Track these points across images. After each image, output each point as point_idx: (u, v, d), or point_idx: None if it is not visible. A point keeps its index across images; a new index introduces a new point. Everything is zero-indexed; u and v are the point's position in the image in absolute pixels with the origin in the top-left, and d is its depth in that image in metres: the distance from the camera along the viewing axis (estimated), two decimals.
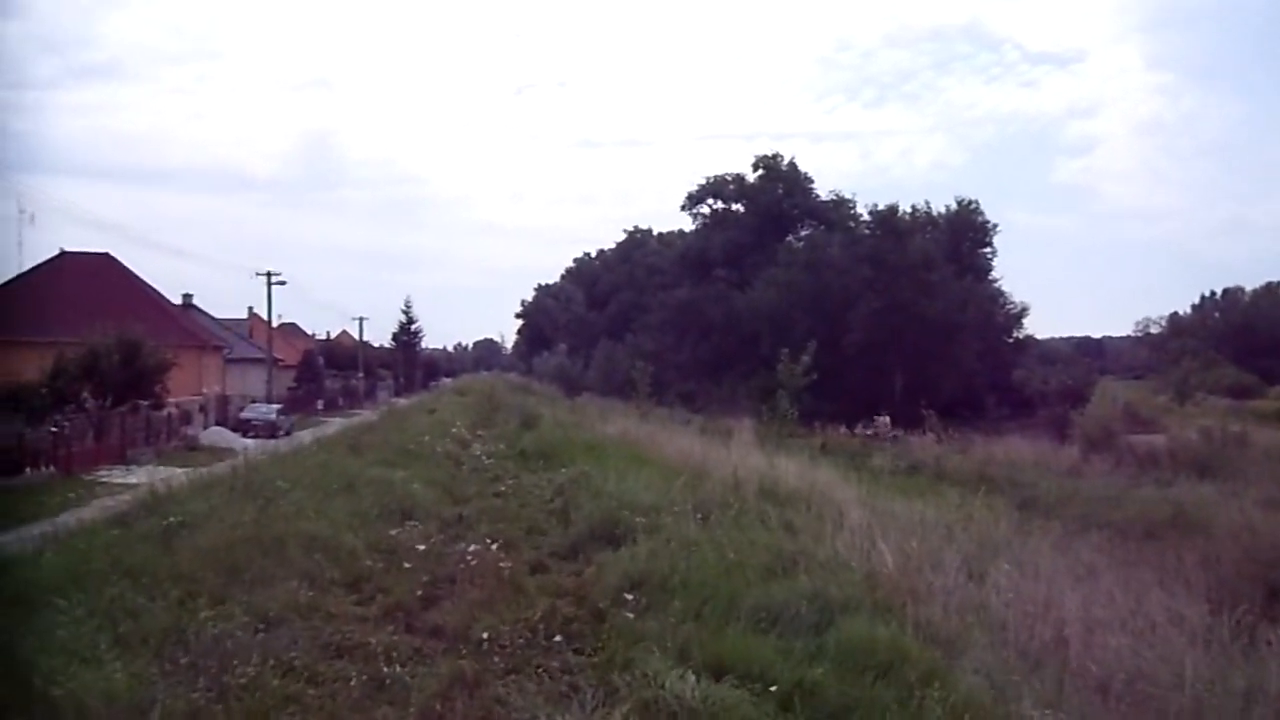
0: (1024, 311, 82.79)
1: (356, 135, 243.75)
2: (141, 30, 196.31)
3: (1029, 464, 43.98)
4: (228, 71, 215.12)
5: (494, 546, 11.86)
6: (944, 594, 11.27)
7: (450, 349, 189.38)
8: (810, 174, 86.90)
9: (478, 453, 24.79)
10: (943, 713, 6.81)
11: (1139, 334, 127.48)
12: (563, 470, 20.55)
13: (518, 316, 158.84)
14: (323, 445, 24.91)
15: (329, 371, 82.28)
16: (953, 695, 7.05)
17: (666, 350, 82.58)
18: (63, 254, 52.54)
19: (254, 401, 57.75)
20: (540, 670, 8.12)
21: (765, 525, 13.90)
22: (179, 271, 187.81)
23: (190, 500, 15.00)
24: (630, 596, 9.68)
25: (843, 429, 60.15)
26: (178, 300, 60.85)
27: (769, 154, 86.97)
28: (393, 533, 12.44)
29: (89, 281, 48.91)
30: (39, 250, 58.78)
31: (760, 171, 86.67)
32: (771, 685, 7.36)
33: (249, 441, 46.07)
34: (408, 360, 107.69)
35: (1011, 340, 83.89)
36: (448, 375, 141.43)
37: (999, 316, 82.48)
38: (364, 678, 7.73)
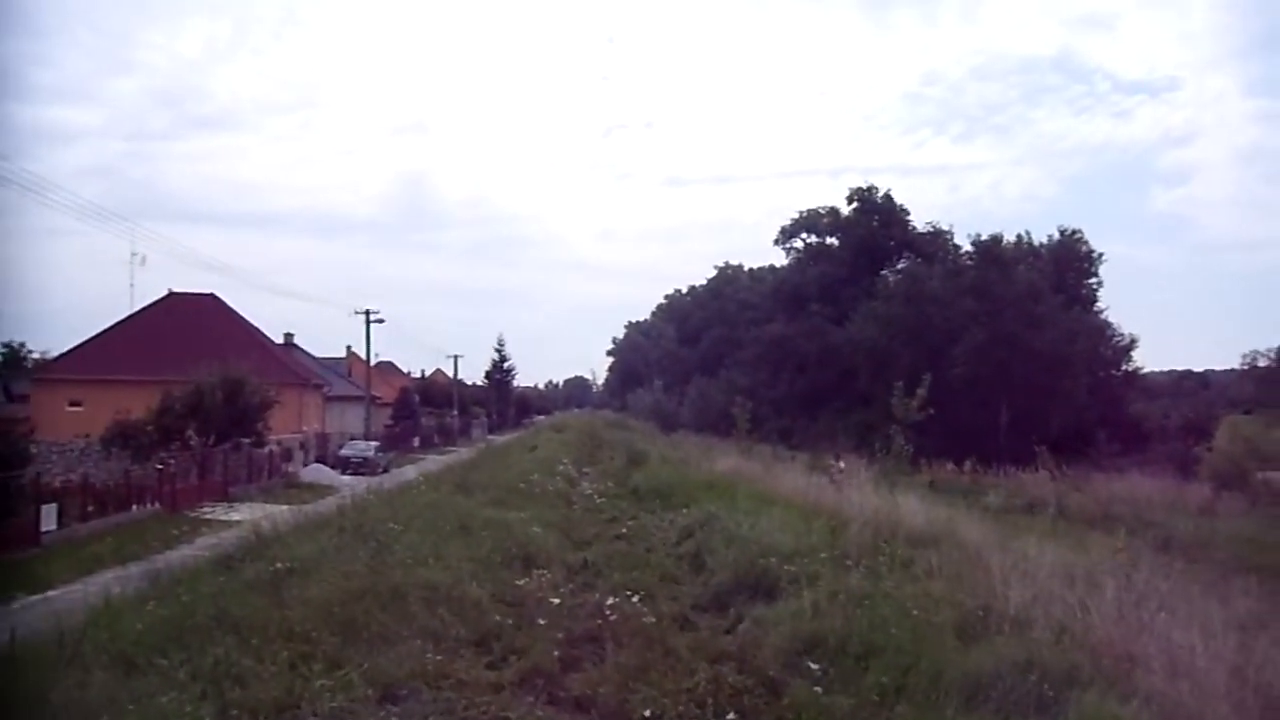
0: (1133, 344, 79.49)
1: (451, 176, 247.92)
2: (250, 82, 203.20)
3: (1155, 502, 41.54)
4: (329, 119, 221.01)
5: (634, 599, 10.54)
6: (1161, 657, 9.67)
7: (541, 386, 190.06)
8: (905, 206, 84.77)
9: (588, 491, 23.58)
10: None
11: (1245, 366, 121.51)
12: (684, 511, 19.23)
13: (609, 354, 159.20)
14: (429, 483, 23.92)
15: (424, 409, 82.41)
16: None
17: (760, 386, 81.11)
18: (170, 294, 53.36)
19: (352, 439, 57.73)
20: None
21: (927, 575, 12.31)
22: (281, 312, 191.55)
23: (297, 542, 14.02)
24: (813, 665, 8.24)
25: (949, 465, 57.80)
26: (280, 339, 61.42)
27: (864, 186, 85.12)
28: (520, 582, 11.19)
29: (195, 321, 49.53)
30: (149, 291, 60.37)
31: (855, 204, 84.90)
32: None
33: (348, 478, 45.82)
34: (501, 397, 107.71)
35: (1120, 374, 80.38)
36: (540, 413, 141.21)
37: (1106, 349, 79.24)
38: None
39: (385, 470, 49.66)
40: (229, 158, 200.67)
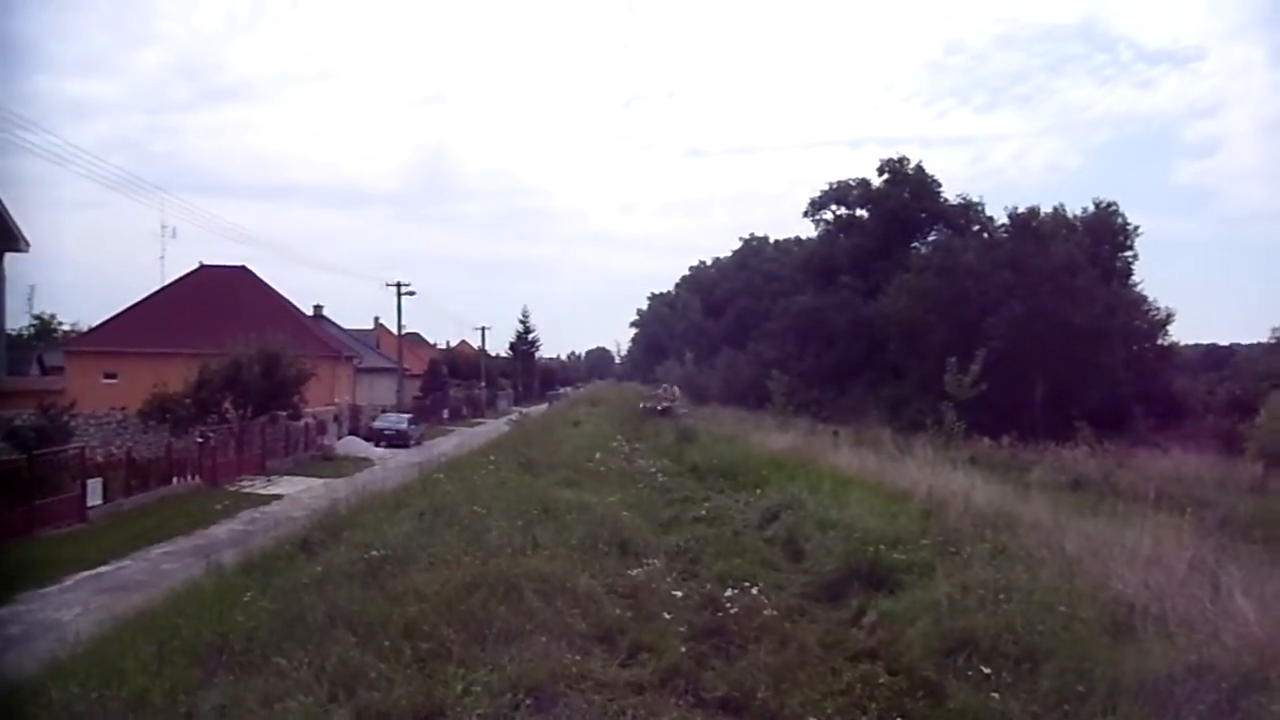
0: (1169, 318, 78.39)
1: (471, 148, 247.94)
2: (269, 54, 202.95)
3: (1204, 479, 40.80)
4: (349, 90, 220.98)
5: (754, 590, 10.07)
6: None
7: (564, 358, 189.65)
8: (936, 178, 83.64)
9: (650, 469, 23.03)
10: None
11: (1275, 340, 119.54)
12: (758, 491, 18.76)
13: (632, 325, 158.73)
14: (490, 459, 23.39)
15: (451, 380, 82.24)
16: None
17: (788, 358, 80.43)
18: (202, 267, 53.01)
19: (384, 411, 57.57)
20: None
21: (1036, 563, 11.75)
22: (306, 283, 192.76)
23: (376, 524, 13.59)
24: (985, 668, 7.69)
25: (985, 440, 57.16)
26: (309, 311, 61.10)
27: (894, 157, 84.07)
28: (632, 573, 10.68)
29: (227, 293, 49.19)
30: (179, 264, 60.16)
31: (885, 175, 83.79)
32: None
33: (383, 450, 45.65)
34: (525, 369, 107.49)
35: (1155, 348, 79.46)
36: (563, 384, 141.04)
37: (1142, 323, 78.30)
38: None
39: (418, 443, 49.50)
40: (250, 130, 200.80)
